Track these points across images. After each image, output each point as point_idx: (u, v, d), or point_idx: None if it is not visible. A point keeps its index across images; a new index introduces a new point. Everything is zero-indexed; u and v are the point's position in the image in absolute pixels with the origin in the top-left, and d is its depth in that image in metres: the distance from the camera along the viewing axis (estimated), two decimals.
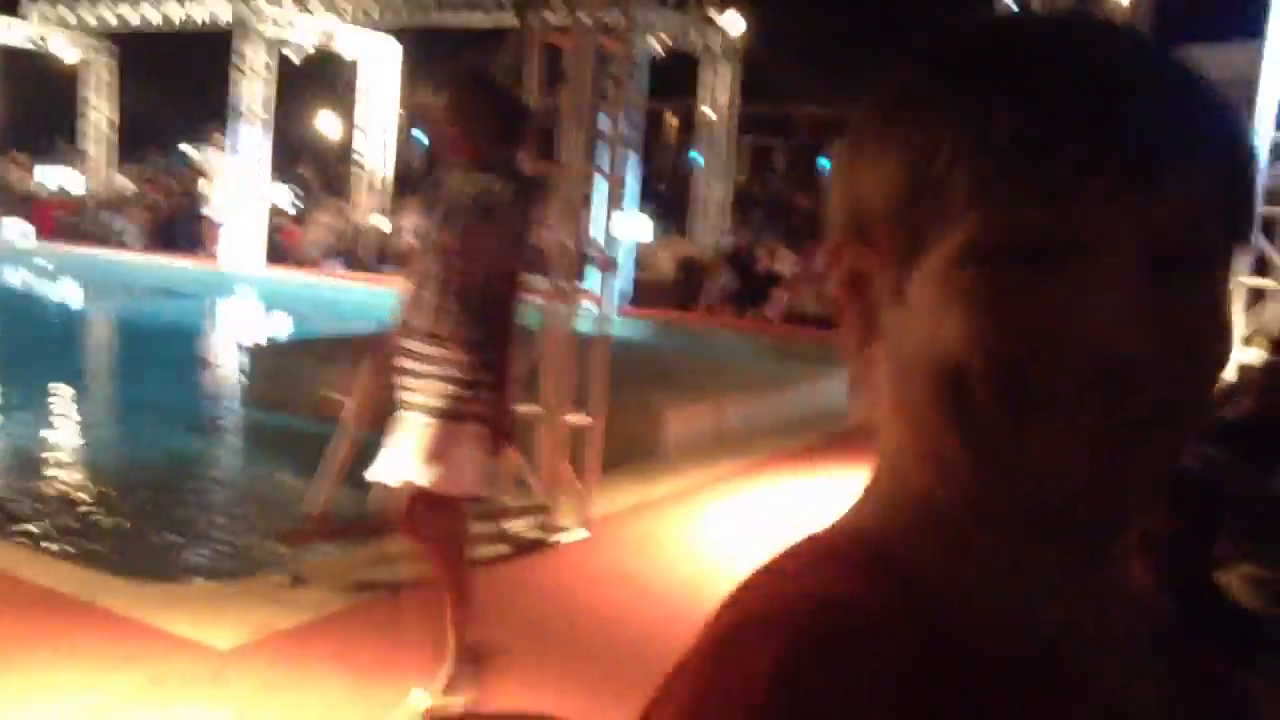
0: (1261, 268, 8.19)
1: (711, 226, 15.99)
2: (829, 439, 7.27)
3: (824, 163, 26.38)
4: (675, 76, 16.44)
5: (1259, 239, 7.98)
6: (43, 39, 18.95)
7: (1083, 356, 0.50)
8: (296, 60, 16.07)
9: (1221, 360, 0.54)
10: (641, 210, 15.58)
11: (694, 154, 20.41)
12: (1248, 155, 0.54)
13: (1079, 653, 0.56)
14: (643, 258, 14.85)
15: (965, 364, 0.51)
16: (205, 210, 16.92)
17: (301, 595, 4.11)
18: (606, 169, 5.29)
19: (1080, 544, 0.54)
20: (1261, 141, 7.85)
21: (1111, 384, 0.50)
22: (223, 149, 16.67)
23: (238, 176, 15.75)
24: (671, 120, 25.55)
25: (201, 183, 17.02)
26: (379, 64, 16.91)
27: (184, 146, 23.54)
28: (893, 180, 0.54)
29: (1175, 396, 0.51)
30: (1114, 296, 0.50)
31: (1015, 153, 0.50)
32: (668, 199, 20.02)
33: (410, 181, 21.62)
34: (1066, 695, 0.55)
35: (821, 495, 6.03)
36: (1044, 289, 0.50)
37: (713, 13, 14.46)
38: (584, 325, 5.28)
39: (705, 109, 15.73)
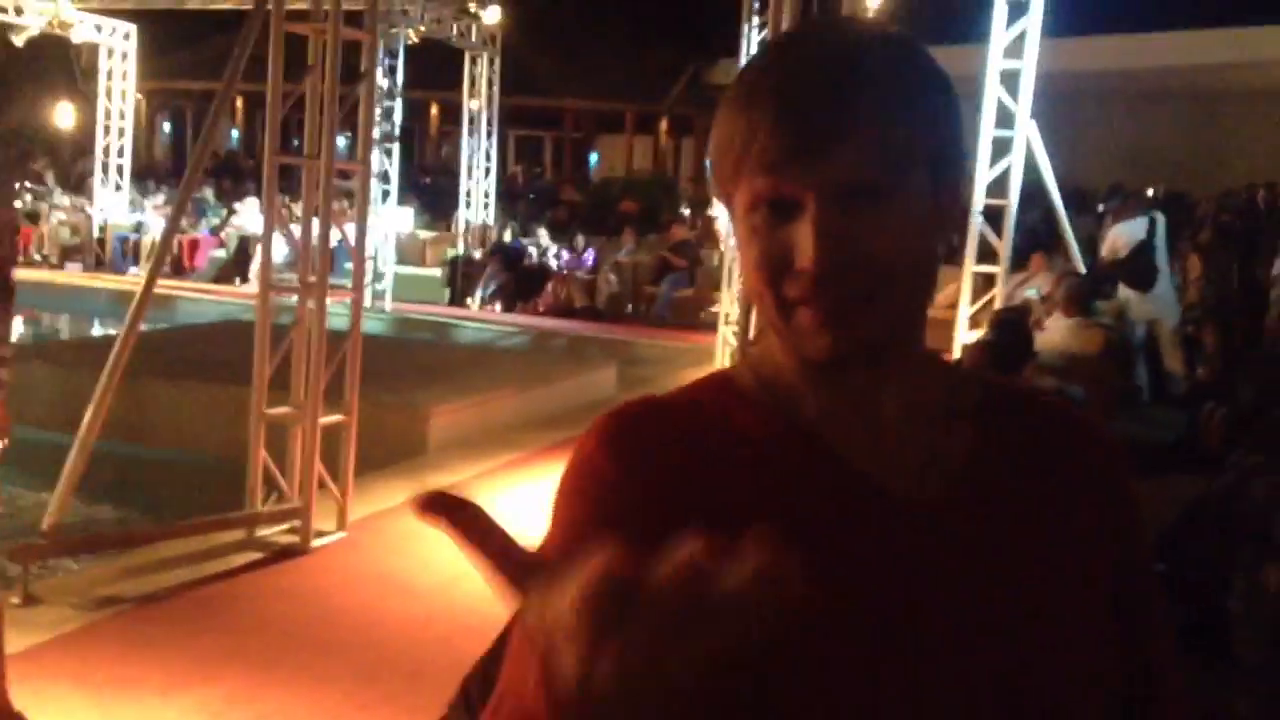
0: (986, 256, 8.86)
1: (478, 219, 15.88)
2: None
3: (593, 156, 26.74)
4: (438, 67, 16.24)
5: (982, 227, 8.64)
6: None
7: (801, 267, 0.81)
8: (19, 43, 14.89)
9: (903, 252, 0.83)
10: (405, 203, 15.33)
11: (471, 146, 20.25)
12: (898, 123, 0.82)
13: (838, 439, 0.86)
14: (407, 252, 14.62)
15: (752, 276, 0.85)
16: None
17: (37, 614, 3.88)
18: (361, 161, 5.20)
19: (837, 371, 0.86)
20: (984, 138, 8.51)
21: (819, 280, 0.81)
22: None
23: None
24: (435, 112, 25.24)
25: None
26: (115, 50, 15.91)
27: None
28: (711, 156, 0.87)
29: (873, 280, 0.82)
30: (810, 229, 0.81)
31: (749, 147, 0.82)
32: (431, 191, 19.76)
33: (156, 174, 20.52)
34: (812, 464, 0.86)
35: None
36: (780, 228, 0.83)
37: (472, 5, 14.35)
38: (340, 322, 5.18)
39: (473, 102, 15.60)
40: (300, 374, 4.87)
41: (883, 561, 0.83)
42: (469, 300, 13.81)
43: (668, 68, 23.50)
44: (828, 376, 0.86)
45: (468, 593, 4.43)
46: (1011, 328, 5.24)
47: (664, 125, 25.12)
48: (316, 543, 4.78)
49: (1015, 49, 8.43)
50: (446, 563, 4.75)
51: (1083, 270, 9.11)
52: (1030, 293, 8.80)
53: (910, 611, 0.82)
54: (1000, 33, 8.52)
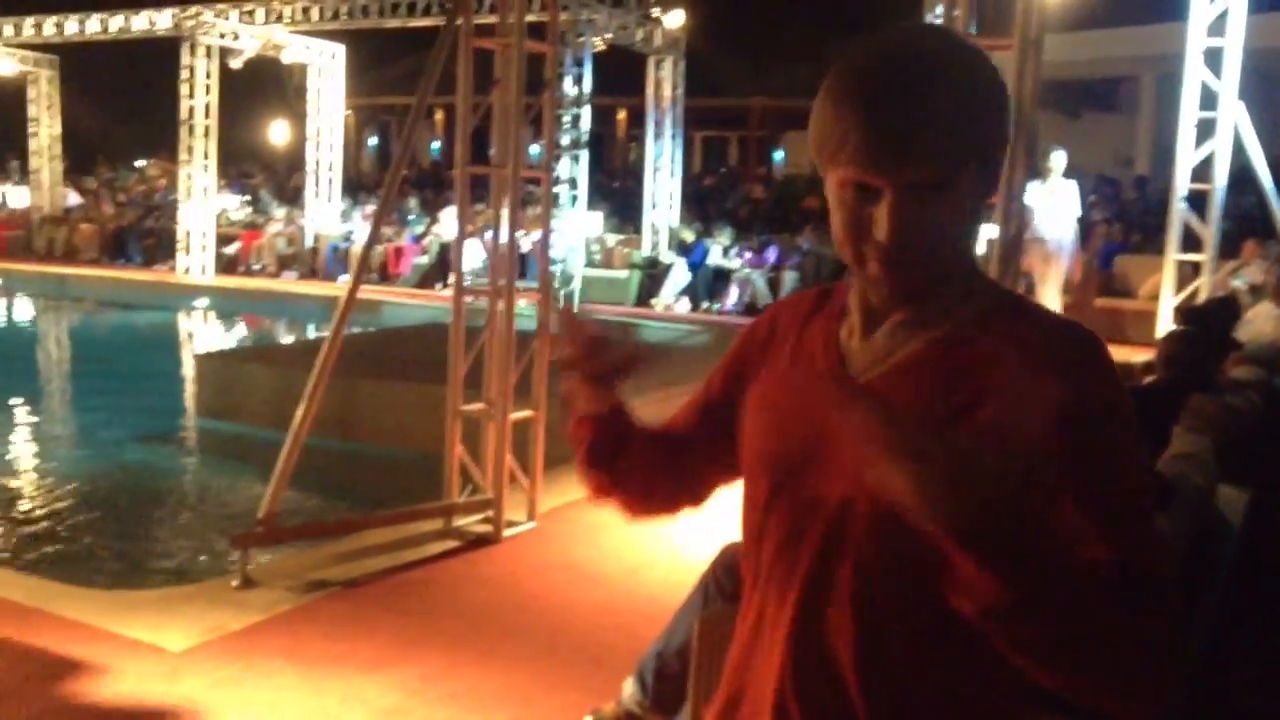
0: (1192, 244, 8.42)
1: (664, 221, 16.11)
2: None
3: (777, 155, 26.64)
4: (624, 72, 16.55)
5: (1187, 214, 8.20)
6: None
7: (878, 240, 1.12)
8: (237, 66, 16.00)
9: (953, 228, 1.13)
10: (595, 207, 15.67)
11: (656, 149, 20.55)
12: (961, 132, 1.09)
13: (851, 332, 1.23)
14: (595, 254, 14.96)
15: (839, 235, 1.15)
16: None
17: (252, 596, 4.20)
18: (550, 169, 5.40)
19: (889, 295, 1.18)
20: (1186, 121, 8.09)
21: (882, 252, 1.12)
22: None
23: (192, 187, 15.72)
24: (621, 117, 25.65)
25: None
26: (323, 68, 16.89)
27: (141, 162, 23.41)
28: (810, 139, 1.15)
29: (922, 259, 1.13)
30: (886, 213, 1.10)
31: (841, 145, 1.10)
32: (621, 195, 20.11)
33: (364, 186, 21.63)
34: (827, 342, 1.25)
35: None
36: (863, 206, 1.12)
37: (655, 10, 14.57)
38: (530, 323, 5.39)
39: (653, 104, 15.85)
40: (492, 372, 5.11)
41: (810, 401, 1.21)
42: (654, 301, 14.03)
43: None
44: (870, 302, 1.21)
45: (649, 581, 4.57)
46: (1208, 318, 5.00)
47: None
48: (508, 532, 5.00)
49: (1218, 26, 8.00)
50: (630, 552, 4.91)
51: None
52: (1238, 282, 8.32)
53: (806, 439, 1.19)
54: (1203, 9, 8.10)
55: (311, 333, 12.90)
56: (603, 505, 1.48)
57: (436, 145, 28.52)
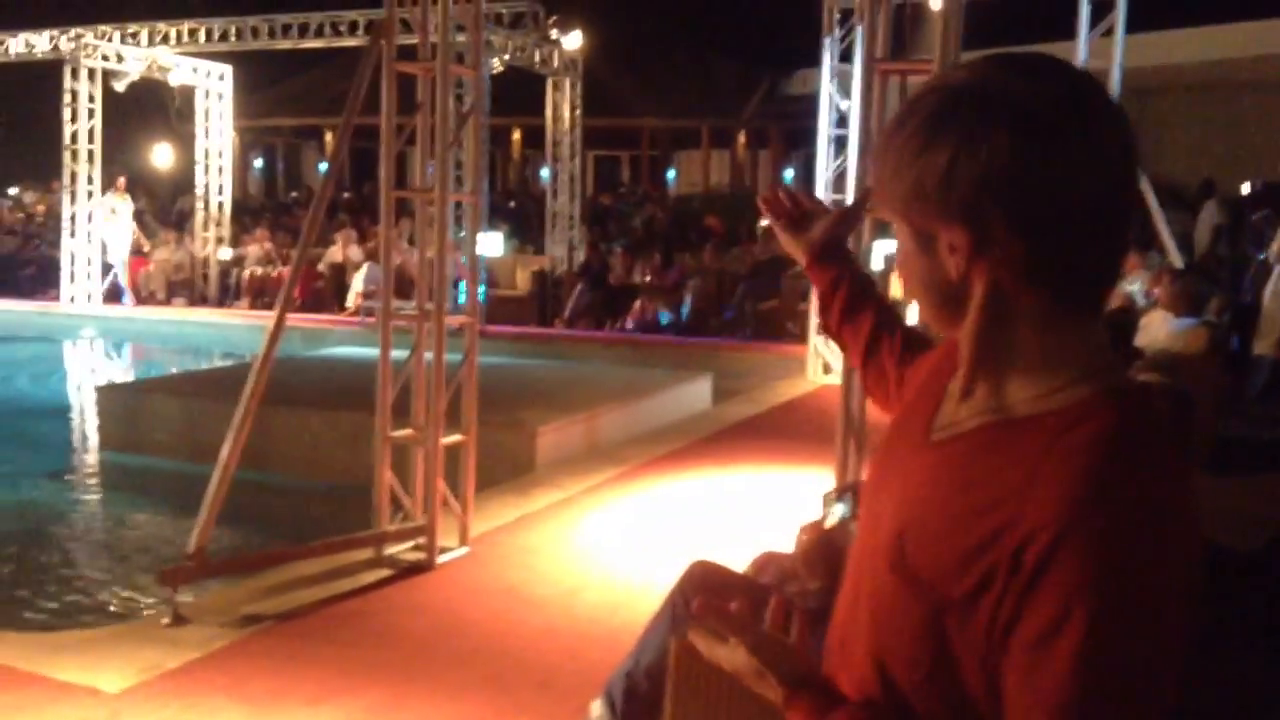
0: None
1: (563, 240, 16.16)
2: (694, 443, 7.51)
3: (670, 173, 26.90)
4: (518, 92, 16.55)
5: None
6: None
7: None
8: (122, 89, 15.53)
9: (923, 284, 1.13)
10: (492, 227, 15.62)
11: (544, 170, 20.55)
12: (936, 191, 1.05)
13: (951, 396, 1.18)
14: (496, 275, 14.90)
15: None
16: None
17: (187, 633, 4.09)
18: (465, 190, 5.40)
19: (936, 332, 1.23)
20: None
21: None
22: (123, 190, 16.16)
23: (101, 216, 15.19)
24: (517, 137, 25.63)
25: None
26: (211, 90, 16.50)
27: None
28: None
29: (915, 296, 1.15)
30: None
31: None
32: (517, 215, 20.09)
33: (250, 210, 21.16)
34: (935, 398, 1.23)
35: (691, 497, 6.25)
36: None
37: (553, 31, 14.63)
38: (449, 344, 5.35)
39: (549, 125, 15.91)
40: (420, 397, 5.06)
41: (906, 462, 1.19)
42: (558, 320, 14.03)
43: (742, 82, 23.59)
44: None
45: (587, 602, 4.58)
46: (1111, 329, 5.23)
47: (741, 139, 25.19)
48: (441, 559, 4.96)
49: (1100, 47, 8.39)
50: (565, 575, 4.91)
51: (1178, 266, 8.99)
52: (1133, 288, 8.69)
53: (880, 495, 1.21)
54: (1085, 32, 8.48)
55: (211, 360, 12.57)
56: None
57: (324, 166, 28.06)
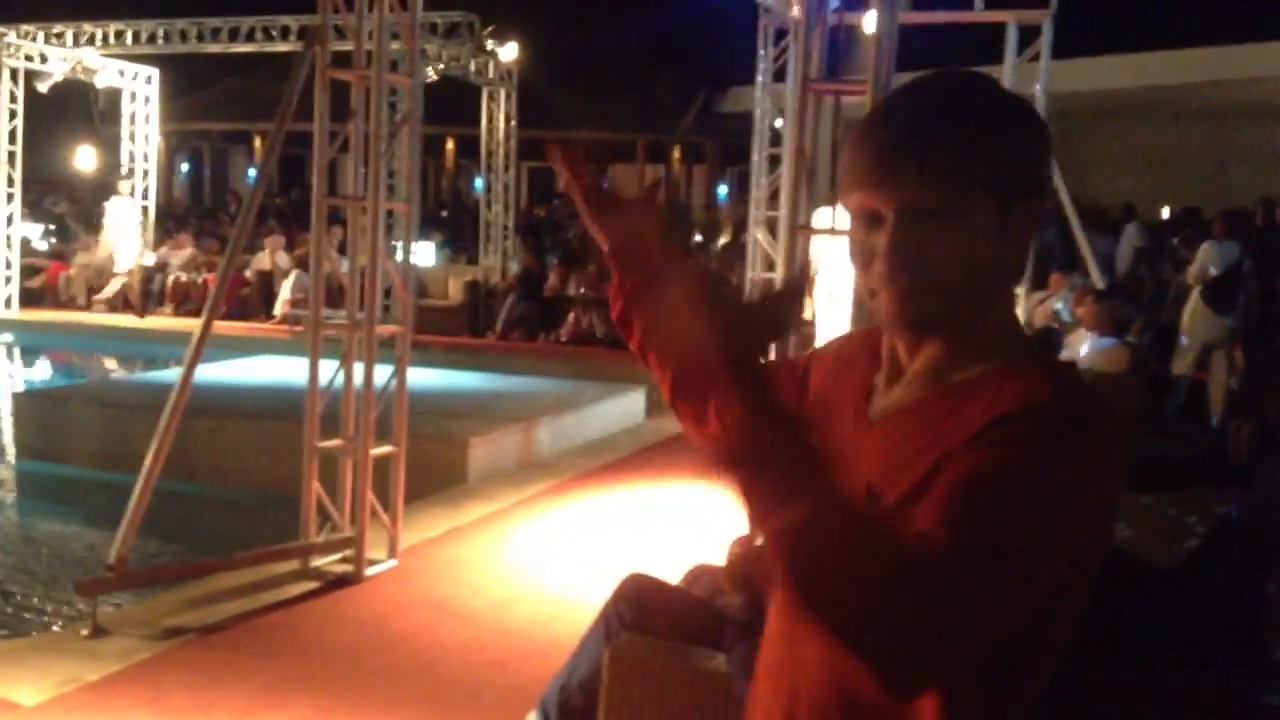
0: None
1: (497, 251, 16.09)
2: (627, 456, 7.51)
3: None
4: (452, 102, 16.47)
5: None
6: None
7: (877, 269, 1.13)
8: (44, 89, 15.16)
9: (961, 261, 1.11)
10: (424, 236, 15.49)
11: (477, 180, 20.43)
12: (960, 156, 1.09)
13: (886, 374, 1.22)
14: (428, 285, 14.79)
15: (853, 266, 1.17)
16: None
17: (106, 645, 3.99)
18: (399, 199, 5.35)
19: (899, 327, 1.17)
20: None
21: (881, 279, 1.13)
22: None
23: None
24: (450, 147, 25.48)
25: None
26: (137, 93, 16.18)
27: None
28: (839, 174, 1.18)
29: (922, 287, 1.11)
30: (886, 238, 1.11)
31: (849, 170, 1.14)
32: (450, 224, 19.97)
33: (175, 215, 20.77)
34: (859, 381, 1.26)
35: (624, 510, 6.25)
36: (870, 234, 1.14)
37: (489, 42, 14.59)
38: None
39: (484, 136, 15.86)
40: (350, 407, 5.00)
41: (847, 449, 1.20)
42: (490, 331, 13.96)
43: (679, 98, 23.72)
44: (893, 337, 1.21)
45: (517, 616, 4.55)
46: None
47: (676, 154, 25.31)
48: (369, 571, 4.90)
49: (1027, 71, 8.58)
50: (496, 587, 4.89)
51: (1101, 287, 9.20)
52: (1059, 306, 8.88)
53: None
54: (1012, 56, 8.67)
55: (132, 369, 12.29)
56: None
57: (253, 172, 27.65)
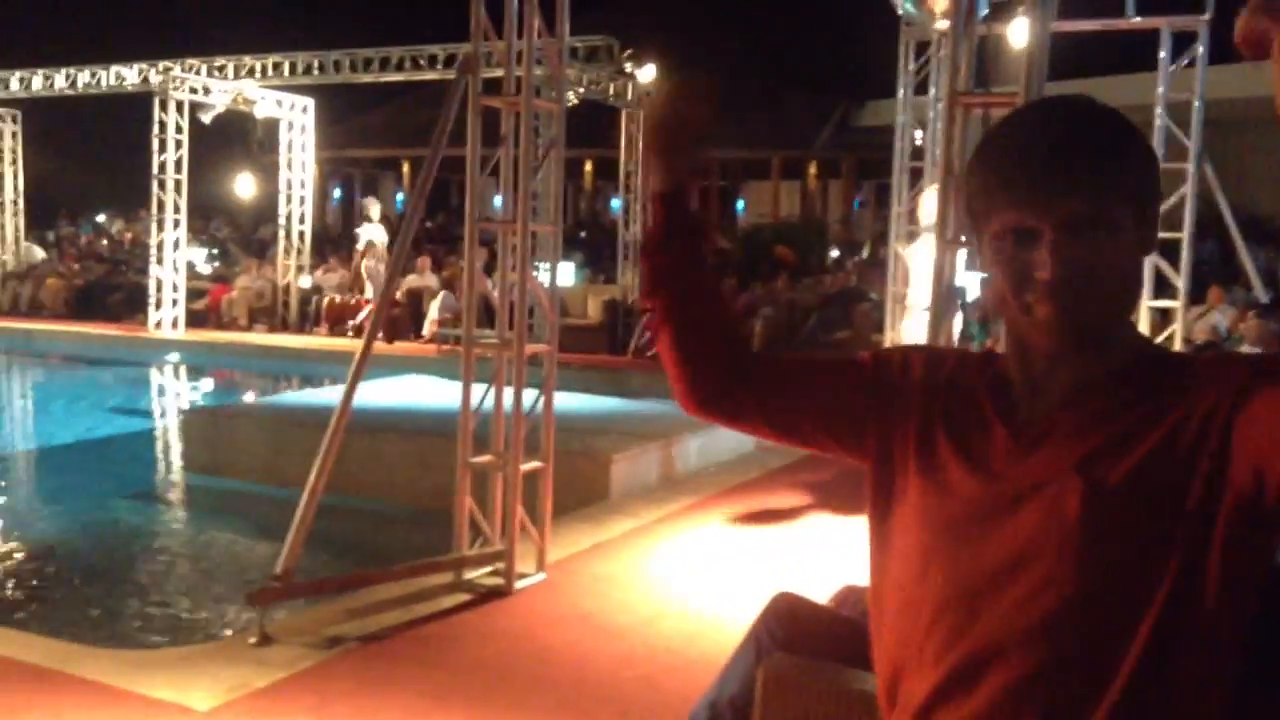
0: (1162, 290, 8.65)
1: (635, 270, 16.25)
2: (768, 474, 7.50)
3: (740, 204, 26.95)
4: (590, 124, 16.74)
5: (1157, 261, 8.44)
6: None
7: (1041, 278, 1.17)
8: (208, 121, 16.00)
9: (1113, 268, 1.18)
10: (564, 257, 15.76)
11: (615, 200, 20.69)
12: (1110, 171, 1.17)
13: (1023, 389, 1.27)
14: (567, 304, 15.04)
15: (1002, 285, 1.21)
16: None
17: (272, 653, 4.17)
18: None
19: (1059, 339, 1.21)
20: None
21: (1048, 290, 1.17)
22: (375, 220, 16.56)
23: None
24: (589, 169, 25.86)
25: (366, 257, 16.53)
26: (296, 123, 16.93)
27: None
28: (965, 197, 1.25)
29: (1086, 295, 1.17)
30: (1047, 250, 1.16)
31: (1001, 190, 1.19)
32: (589, 245, 20.26)
33: (329, 239, 21.62)
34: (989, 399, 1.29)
35: (766, 527, 6.24)
36: (1023, 251, 1.18)
37: (628, 65, 14.80)
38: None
39: (621, 156, 16.06)
40: (500, 424, 5.14)
41: (987, 460, 1.26)
42: (628, 349, 14.10)
43: (814, 113, 23.60)
44: (1035, 356, 1.25)
45: (664, 632, 4.59)
46: None
47: (812, 169, 25.17)
48: (519, 585, 5.01)
49: (1182, 79, 8.27)
50: (642, 603, 4.93)
51: (1264, 301, 8.79)
52: (1218, 320, 8.52)
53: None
54: (1167, 64, 8.38)
55: (291, 385, 12.83)
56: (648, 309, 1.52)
57: (401, 197, 28.59)
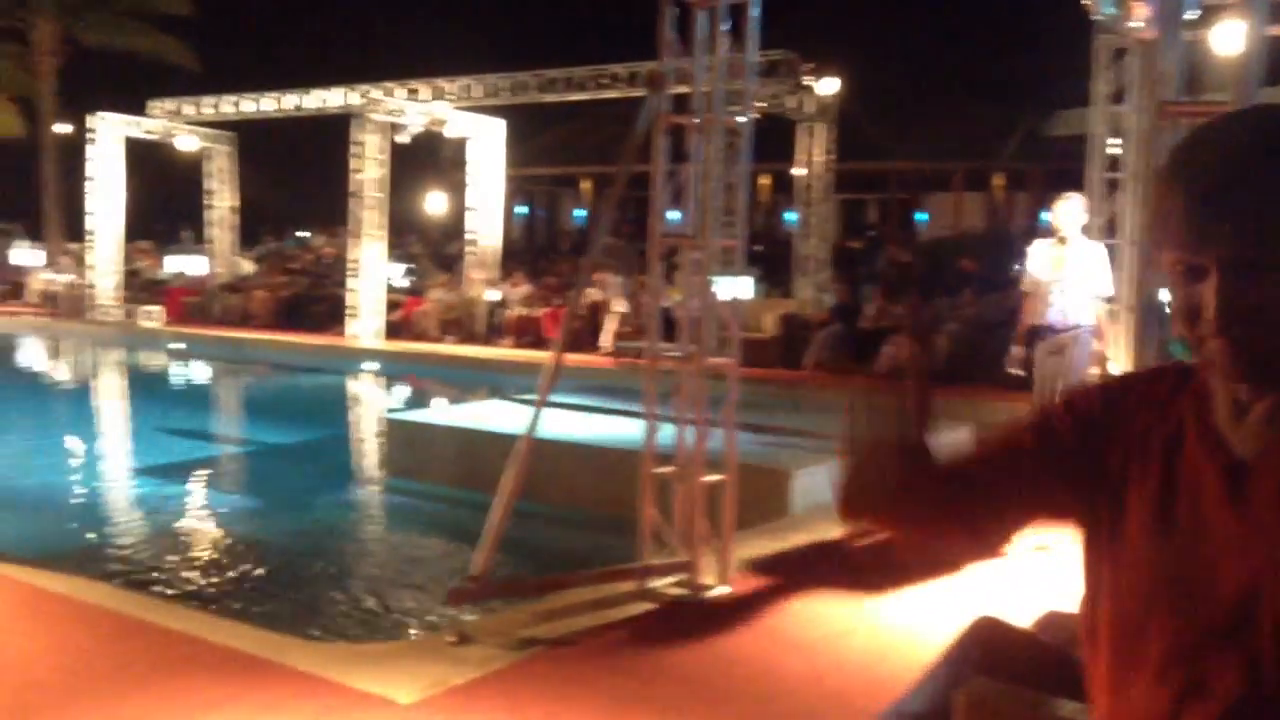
0: None
1: (811, 284, 16.17)
2: None
3: (920, 217, 26.41)
4: (765, 138, 16.72)
5: None
6: (169, 133, 20.05)
7: (1205, 318, 1.15)
8: (404, 141, 16.75)
9: (1276, 310, 1.13)
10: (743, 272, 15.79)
11: (789, 214, 20.60)
12: (1275, 212, 1.11)
13: (1228, 411, 1.24)
14: (743, 318, 15.04)
15: (1175, 316, 1.19)
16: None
17: (469, 652, 4.33)
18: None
19: (1229, 374, 1.18)
20: None
21: (1219, 329, 1.14)
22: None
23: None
24: (764, 182, 25.84)
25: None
26: (485, 142, 17.54)
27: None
28: (1152, 223, 1.24)
29: (1256, 330, 1.13)
30: (1211, 291, 1.13)
31: (1167, 225, 1.17)
32: (765, 259, 20.24)
33: (513, 254, 22.28)
34: (1194, 421, 1.26)
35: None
36: (1192, 285, 1.16)
37: (807, 78, 14.75)
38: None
39: (799, 170, 16.00)
40: (682, 435, 5.21)
41: (1204, 482, 1.23)
42: (804, 363, 14.00)
43: (1000, 123, 22.95)
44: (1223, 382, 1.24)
45: (853, 648, 4.54)
46: None
47: (997, 181, 24.47)
48: (703, 595, 5.06)
49: None
50: (828, 618, 4.89)
51: None
52: None
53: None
54: None
55: (480, 394, 13.29)
56: (877, 534, 1.51)
57: (581, 213, 29.22)
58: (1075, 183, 10.38)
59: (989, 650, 2.74)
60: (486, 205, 17.61)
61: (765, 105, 14.45)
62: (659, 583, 5.13)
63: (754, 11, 5.22)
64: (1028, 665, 2.70)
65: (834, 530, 6.33)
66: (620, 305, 15.12)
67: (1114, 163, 9.66)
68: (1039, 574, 5.53)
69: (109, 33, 25.09)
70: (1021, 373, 6.94)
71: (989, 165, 23.67)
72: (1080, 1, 9.15)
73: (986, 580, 5.52)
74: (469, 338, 16.73)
